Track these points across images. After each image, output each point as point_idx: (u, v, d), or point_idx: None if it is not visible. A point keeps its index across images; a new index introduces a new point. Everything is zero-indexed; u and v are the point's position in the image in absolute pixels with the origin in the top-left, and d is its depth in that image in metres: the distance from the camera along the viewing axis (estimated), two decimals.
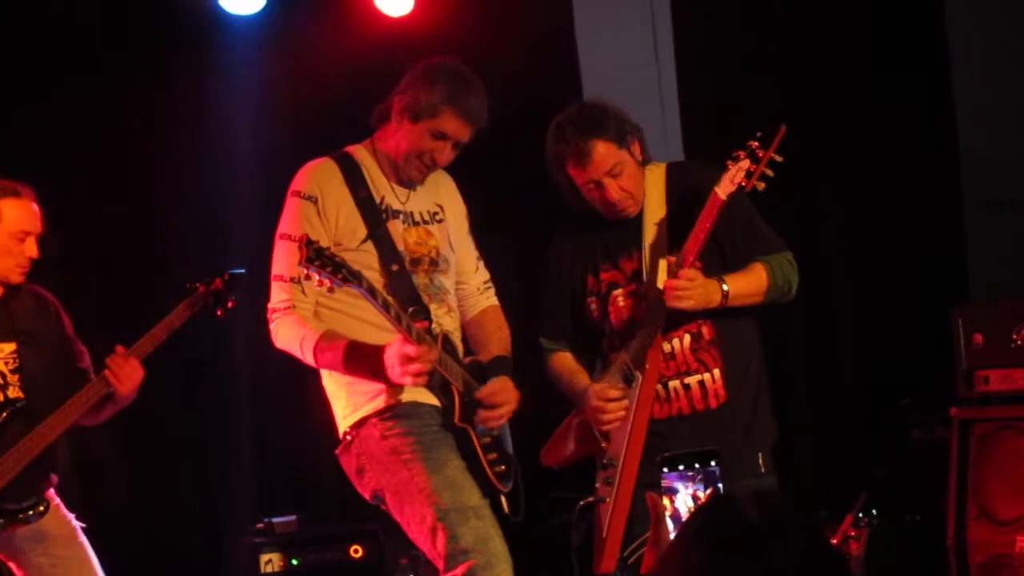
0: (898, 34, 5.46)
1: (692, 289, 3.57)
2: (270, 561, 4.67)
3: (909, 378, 5.00)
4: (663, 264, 3.69)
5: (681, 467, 3.38)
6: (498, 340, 3.86)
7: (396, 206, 3.73)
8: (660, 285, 3.64)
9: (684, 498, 3.38)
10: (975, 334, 4.08)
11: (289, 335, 3.60)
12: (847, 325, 5.45)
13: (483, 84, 3.69)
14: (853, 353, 5.43)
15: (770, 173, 3.56)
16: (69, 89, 4.99)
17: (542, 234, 4.09)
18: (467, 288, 3.92)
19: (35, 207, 3.86)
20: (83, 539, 3.92)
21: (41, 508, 3.82)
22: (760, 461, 3.72)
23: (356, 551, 4.70)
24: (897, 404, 4.66)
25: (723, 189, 3.56)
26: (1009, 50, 5.31)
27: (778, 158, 3.55)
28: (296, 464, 5.04)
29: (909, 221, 5.33)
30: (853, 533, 4.33)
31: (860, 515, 4.36)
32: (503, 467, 3.71)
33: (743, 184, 3.55)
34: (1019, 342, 3.99)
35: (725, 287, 3.63)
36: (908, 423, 4.66)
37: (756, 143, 3.57)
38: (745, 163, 3.56)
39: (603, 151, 3.68)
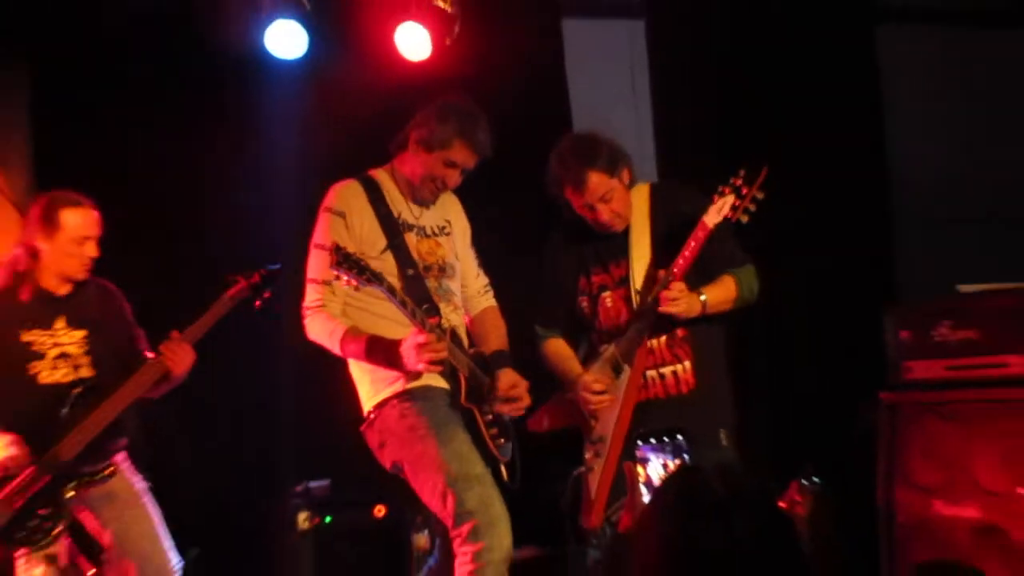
0: (833, 65, 5.41)
1: (681, 300, 3.60)
2: (307, 518, 4.64)
3: (847, 367, 4.95)
4: (651, 275, 3.71)
5: (653, 440, 3.34)
6: (496, 336, 3.89)
7: (411, 221, 3.75)
8: (651, 295, 3.65)
9: (656, 467, 3.35)
10: (902, 331, 4.02)
11: (320, 329, 3.64)
12: (796, 325, 5.40)
13: (488, 120, 3.65)
14: (802, 348, 5.38)
15: (752, 208, 3.50)
16: (141, 116, 4.96)
17: (537, 242, 4.02)
18: (469, 291, 3.94)
19: (94, 213, 3.86)
20: (148, 498, 3.92)
21: (110, 471, 3.79)
22: (722, 437, 3.76)
23: (379, 511, 4.75)
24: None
25: (711, 219, 3.60)
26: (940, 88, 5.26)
27: (760, 195, 3.50)
28: (329, 438, 4.96)
29: (848, 236, 5.29)
30: (799, 498, 4.30)
31: (804, 482, 4.32)
32: (503, 440, 3.75)
33: (729, 217, 3.52)
34: (938, 338, 3.93)
35: (703, 298, 3.71)
36: (847, 405, 4.60)
37: (739, 180, 3.52)
38: (730, 198, 3.56)
39: (596, 180, 3.71)
